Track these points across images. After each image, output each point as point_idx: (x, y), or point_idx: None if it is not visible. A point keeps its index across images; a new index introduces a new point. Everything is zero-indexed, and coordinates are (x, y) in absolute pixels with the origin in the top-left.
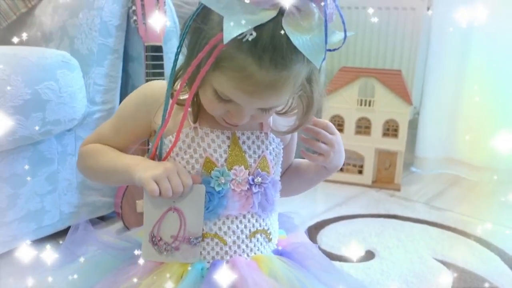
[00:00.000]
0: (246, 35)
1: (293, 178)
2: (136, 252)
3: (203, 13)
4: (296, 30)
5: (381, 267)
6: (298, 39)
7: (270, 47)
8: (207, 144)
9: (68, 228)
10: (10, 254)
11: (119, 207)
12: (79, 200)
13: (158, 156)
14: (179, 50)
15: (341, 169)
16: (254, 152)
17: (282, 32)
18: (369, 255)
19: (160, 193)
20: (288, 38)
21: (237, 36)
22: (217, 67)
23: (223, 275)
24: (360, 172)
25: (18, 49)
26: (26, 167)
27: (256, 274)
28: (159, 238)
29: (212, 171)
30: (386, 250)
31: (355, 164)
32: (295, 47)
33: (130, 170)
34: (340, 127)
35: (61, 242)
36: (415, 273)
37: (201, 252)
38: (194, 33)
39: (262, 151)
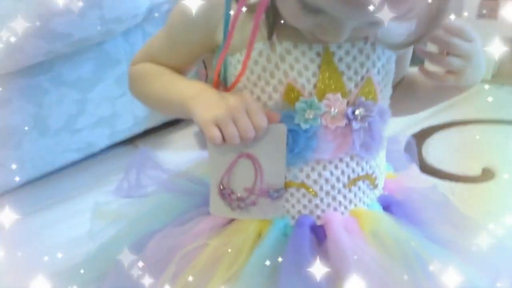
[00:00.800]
0: None
1: (405, 98)
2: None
3: None
4: None
5: (503, 190)
6: None
7: None
8: (289, 65)
9: (145, 131)
10: (88, 161)
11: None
12: None
13: (223, 83)
14: None
15: None
16: (356, 73)
17: None
18: (488, 174)
19: (224, 139)
20: None
21: None
22: None
23: (313, 236)
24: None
25: None
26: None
27: (356, 239)
28: (229, 191)
29: (296, 102)
30: (509, 167)
31: None
32: None
33: (186, 103)
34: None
35: (139, 146)
36: None
37: (283, 205)
38: None
39: (367, 71)
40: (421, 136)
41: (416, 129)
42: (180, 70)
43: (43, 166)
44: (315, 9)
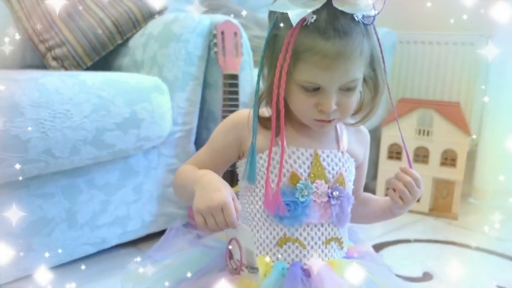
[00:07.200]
0: (307, 19)
1: (360, 209)
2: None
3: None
4: (346, 4)
5: None
6: (350, 9)
7: (330, 20)
8: (293, 160)
9: (147, 236)
10: (99, 254)
11: (192, 219)
12: (158, 210)
13: (249, 175)
14: (262, 59)
15: None
16: (333, 169)
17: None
18: (428, 277)
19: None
20: (342, 12)
21: (300, 23)
22: (296, 60)
23: (302, 273)
24: (417, 200)
25: (120, 74)
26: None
27: (332, 274)
28: (229, 255)
29: (297, 184)
30: (445, 273)
31: None
32: (351, 16)
33: (194, 182)
34: (398, 155)
35: (141, 248)
36: None
37: (282, 254)
38: (270, 44)
39: (339, 168)
40: (376, 248)
41: (372, 243)
42: (217, 171)
43: (63, 256)
44: (311, 89)
